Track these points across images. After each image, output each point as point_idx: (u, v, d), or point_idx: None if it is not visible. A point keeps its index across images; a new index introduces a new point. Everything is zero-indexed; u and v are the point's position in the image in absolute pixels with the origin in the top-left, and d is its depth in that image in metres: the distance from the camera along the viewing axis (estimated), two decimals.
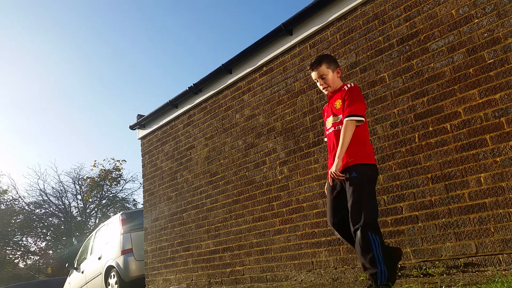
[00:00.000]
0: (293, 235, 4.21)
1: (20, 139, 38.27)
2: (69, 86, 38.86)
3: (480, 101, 3.02)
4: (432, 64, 3.34)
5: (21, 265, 24.43)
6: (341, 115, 2.55)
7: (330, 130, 2.61)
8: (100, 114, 40.90)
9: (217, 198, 5.27)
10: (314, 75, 2.68)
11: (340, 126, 2.51)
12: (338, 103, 2.60)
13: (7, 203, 23.08)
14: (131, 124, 7.09)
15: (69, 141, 39.46)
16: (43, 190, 24.71)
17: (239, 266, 4.80)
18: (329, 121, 2.64)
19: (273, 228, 4.45)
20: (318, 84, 2.70)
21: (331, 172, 2.44)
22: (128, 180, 26.52)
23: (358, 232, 2.31)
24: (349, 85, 2.60)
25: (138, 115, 6.99)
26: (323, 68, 2.63)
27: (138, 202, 24.83)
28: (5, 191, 22.99)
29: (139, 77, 41.94)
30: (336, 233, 2.60)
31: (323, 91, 2.70)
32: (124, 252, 6.65)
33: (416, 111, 3.38)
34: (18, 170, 40.51)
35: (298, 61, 4.51)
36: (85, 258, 8.10)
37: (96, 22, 37.68)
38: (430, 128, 3.27)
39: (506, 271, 2.64)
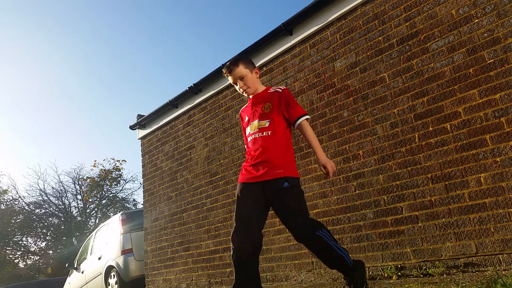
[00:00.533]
0: None
1: (20, 139, 38.35)
2: (69, 86, 38.94)
3: (480, 101, 3.02)
4: (432, 64, 3.34)
5: (21, 265, 24.48)
6: (269, 120, 2.41)
7: (257, 135, 2.42)
8: (100, 114, 40.99)
9: (217, 198, 5.27)
10: (231, 78, 2.51)
11: (270, 132, 2.39)
12: (267, 107, 2.45)
13: (7, 203, 23.13)
14: (131, 124, 7.09)
15: (69, 141, 39.56)
16: (43, 190, 24.79)
17: None
18: (254, 126, 2.46)
19: (273, 228, 4.45)
20: (237, 87, 2.54)
21: (330, 167, 2.34)
22: (128, 180, 26.59)
23: (312, 238, 2.27)
24: (281, 88, 2.50)
25: (138, 115, 6.99)
26: (241, 68, 2.48)
27: (138, 202, 24.89)
28: (5, 191, 23.03)
29: (139, 77, 42.01)
30: (241, 253, 2.26)
31: (243, 93, 2.54)
32: (124, 252, 6.66)
33: (416, 111, 3.38)
34: (18, 170, 40.61)
35: (298, 61, 4.51)
36: (85, 258, 8.10)
37: (96, 22, 37.74)
38: (430, 128, 3.27)
39: (506, 271, 2.64)
